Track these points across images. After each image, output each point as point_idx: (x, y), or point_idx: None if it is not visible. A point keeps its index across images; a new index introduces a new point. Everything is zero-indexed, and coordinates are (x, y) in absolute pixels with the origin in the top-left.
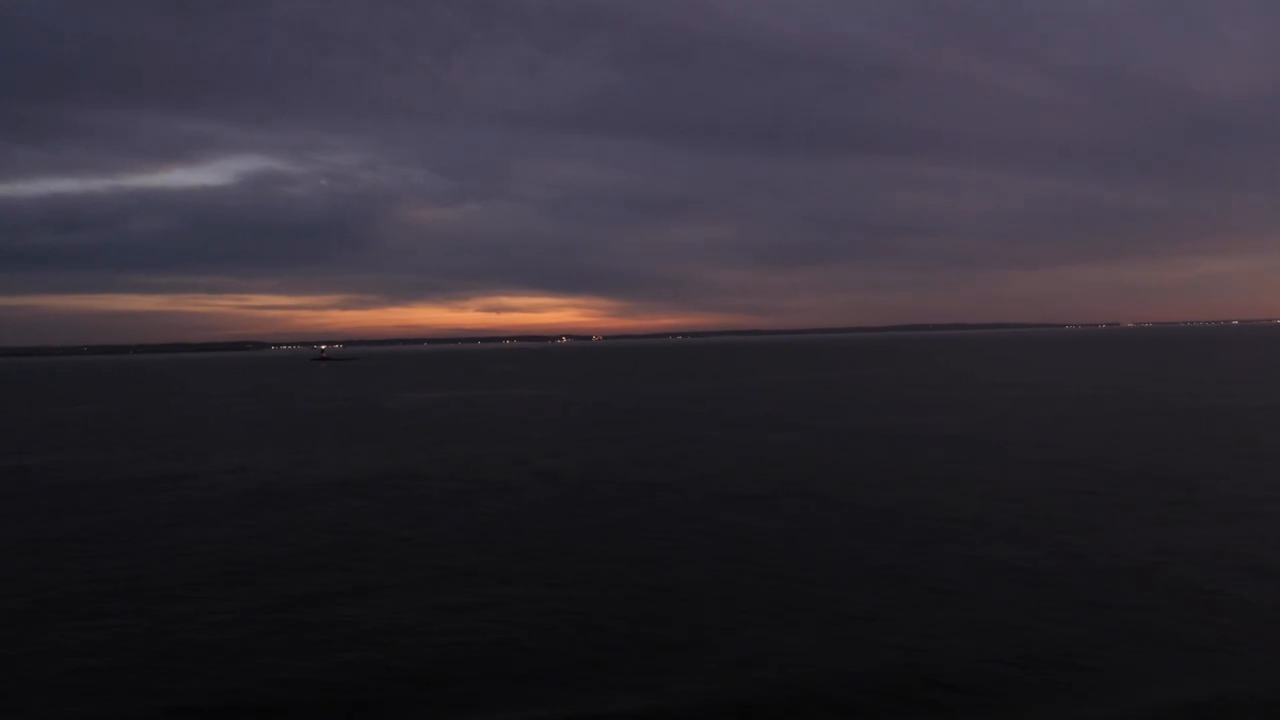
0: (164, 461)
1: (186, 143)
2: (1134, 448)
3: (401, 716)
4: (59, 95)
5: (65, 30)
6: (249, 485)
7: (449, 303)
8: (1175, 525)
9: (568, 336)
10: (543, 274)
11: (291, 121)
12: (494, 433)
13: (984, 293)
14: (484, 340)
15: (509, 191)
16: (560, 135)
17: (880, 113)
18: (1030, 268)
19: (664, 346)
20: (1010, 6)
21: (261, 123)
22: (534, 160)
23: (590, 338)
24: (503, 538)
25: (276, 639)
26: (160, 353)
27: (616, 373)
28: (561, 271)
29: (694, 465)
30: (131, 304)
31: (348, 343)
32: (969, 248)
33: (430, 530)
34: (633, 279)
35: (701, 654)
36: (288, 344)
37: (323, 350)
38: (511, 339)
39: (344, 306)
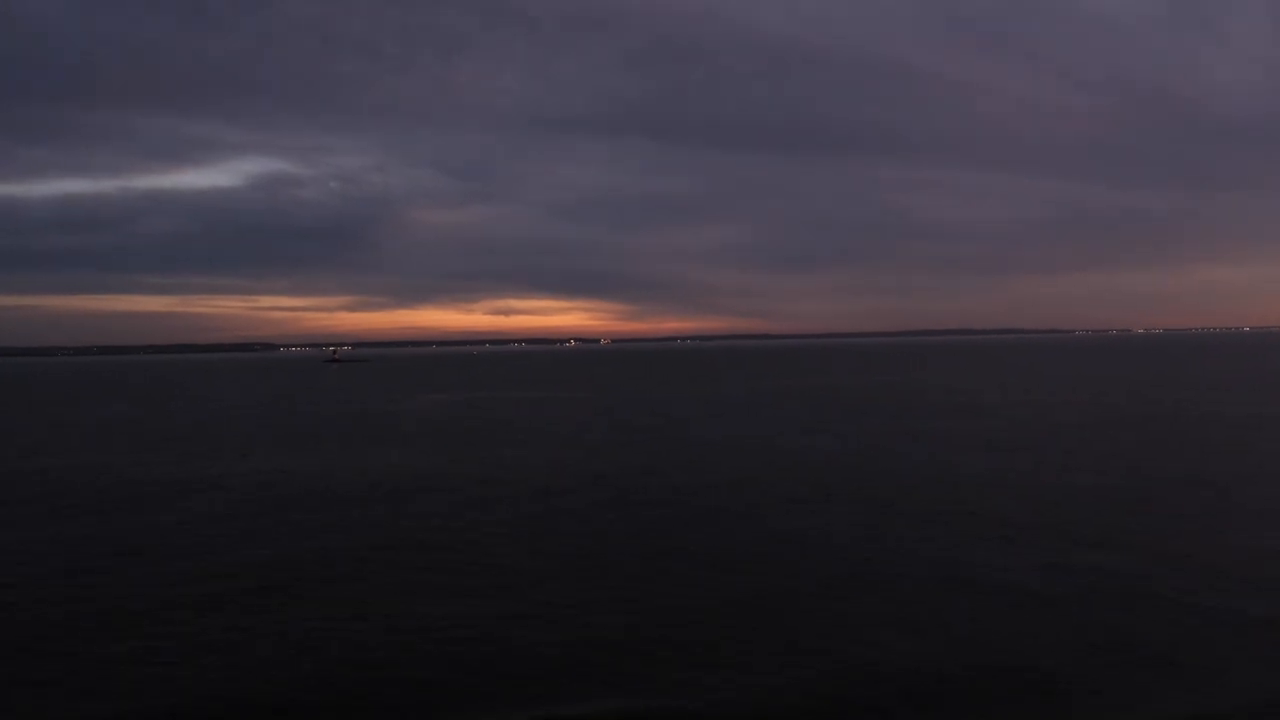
0: (205, 462)
1: (196, 144)
2: (1169, 456)
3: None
4: (69, 97)
5: (75, 32)
6: (282, 488)
7: (457, 305)
8: (1233, 532)
9: (576, 339)
10: (551, 277)
11: (301, 124)
12: (537, 433)
13: (994, 298)
14: (492, 343)
15: (517, 194)
16: (569, 138)
17: (892, 117)
18: (1040, 273)
19: (671, 350)
20: (1025, 12)
21: (271, 125)
22: (542, 163)
23: (599, 341)
24: (541, 542)
25: (302, 644)
26: (168, 353)
27: (631, 376)
28: (569, 274)
29: (724, 470)
30: (140, 305)
31: (356, 344)
32: (979, 253)
33: (468, 534)
34: (641, 282)
35: (748, 655)
36: (296, 345)
37: (334, 352)
38: (519, 342)
39: (352, 308)
